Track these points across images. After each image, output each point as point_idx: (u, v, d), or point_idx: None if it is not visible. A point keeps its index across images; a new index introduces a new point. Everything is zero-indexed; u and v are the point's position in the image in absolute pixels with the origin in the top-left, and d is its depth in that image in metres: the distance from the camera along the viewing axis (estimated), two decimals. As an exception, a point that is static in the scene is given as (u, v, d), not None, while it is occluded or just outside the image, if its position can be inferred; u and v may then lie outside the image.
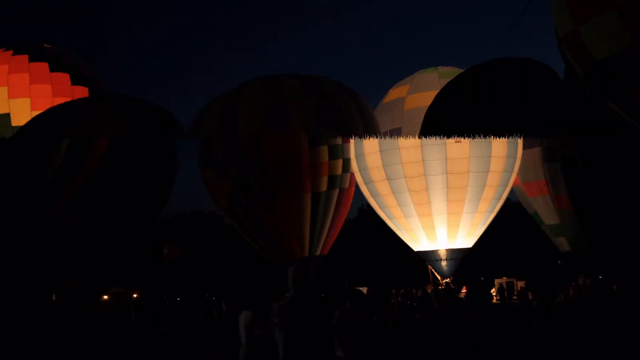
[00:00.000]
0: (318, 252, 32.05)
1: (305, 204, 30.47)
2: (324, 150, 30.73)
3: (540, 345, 15.79)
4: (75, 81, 31.79)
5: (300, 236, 30.98)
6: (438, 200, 31.23)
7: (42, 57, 31.80)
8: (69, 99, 29.61)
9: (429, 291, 31.10)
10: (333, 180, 31.18)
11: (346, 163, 31.98)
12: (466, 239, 33.03)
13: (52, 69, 31.50)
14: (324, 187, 30.71)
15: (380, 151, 31.32)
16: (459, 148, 30.26)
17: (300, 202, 30.36)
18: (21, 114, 29.98)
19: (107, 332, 28.27)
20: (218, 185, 31.18)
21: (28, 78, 30.95)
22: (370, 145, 31.26)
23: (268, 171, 29.72)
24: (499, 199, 32.72)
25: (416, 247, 33.97)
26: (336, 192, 31.49)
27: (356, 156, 32.35)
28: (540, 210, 34.95)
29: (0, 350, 19.97)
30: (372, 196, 33.15)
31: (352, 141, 31.83)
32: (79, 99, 29.45)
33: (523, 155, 32.81)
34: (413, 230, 32.88)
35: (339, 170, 31.43)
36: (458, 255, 33.22)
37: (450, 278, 33.24)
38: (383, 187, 32.04)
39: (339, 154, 31.43)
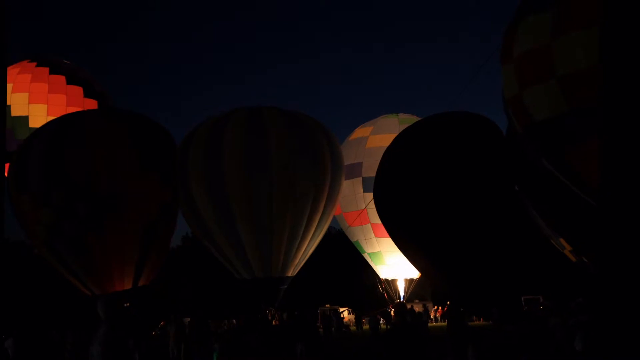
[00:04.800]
0: (142, 283, 25.08)
1: (137, 234, 23.96)
2: (156, 177, 24.43)
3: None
4: (87, 94, 31.19)
5: (125, 267, 24.28)
6: (263, 228, 25.68)
7: (61, 70, 31.26)
8: (80, 109, 29.23)
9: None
10: (165, 208, 24.83)
11: (175, 190, 25.60)
12: (290, 267, 27.42)
13: (69, 81, 30.95)
14: (155, 215, 24.31)
15: (205, 177, 25.66)
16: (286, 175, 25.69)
17: (133, 233, 23.87)
18: (38, 117, 29.40)
19: None
20: (34, 214, 23.76)
21: (47, 87, 30.37)
22: (195, 170, 25.86)
23: (98, 198, 23.24)
24: (322, 227, 27.87)
25: (240, 275, 27.62)
26: (166, 220, 25.12)
27: (181, 183, 25.91)
28: (361, 239, 33.51)
29: None
30: (196, 224, 27.58)
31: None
32: (89, 110, 29.11)
33: (344, 185, 29.13)
34: (237, 258, 26.92)
35: (169, 197, 25.02)
36: (282, 284, 27.42)
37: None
38: (207, 213, 26.02)
39: (169, 180, 25.04)
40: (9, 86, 29.52)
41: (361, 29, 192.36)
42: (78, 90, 30.93)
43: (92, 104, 30.94)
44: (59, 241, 23.88)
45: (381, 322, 32.94)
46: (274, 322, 27.88)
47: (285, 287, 27.78)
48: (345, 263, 46.88)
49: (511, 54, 16.19)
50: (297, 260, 27.54)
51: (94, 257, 23.88)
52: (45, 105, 29.98)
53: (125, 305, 23.96)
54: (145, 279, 25.20)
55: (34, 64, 31.24)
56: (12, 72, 30.24)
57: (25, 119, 29.64)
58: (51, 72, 30.90)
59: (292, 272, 27.72)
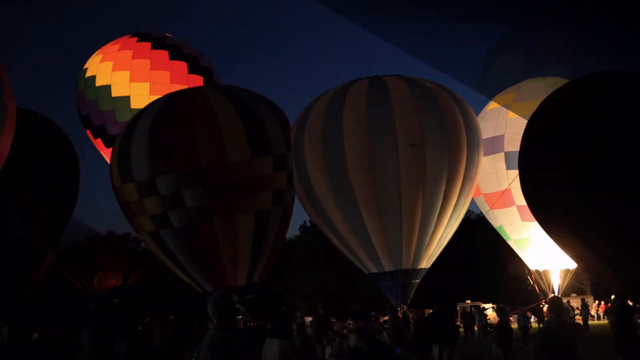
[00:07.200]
0: (258, 279, 23.08)
1: (249, 223, 21.80)
2: (269, 161, 22.02)
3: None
4: (192, 70, 28.44)
5: (238, 261, 22.10)
6: (391, 213, 22.56)
7: (164, 45, 28.56)
8: (185, 87, 26.51)
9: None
10: (278, 196, 22.46)
11: (290, 175, 22.98)
12: (423, 258, 24.03)
13: (172, 57, 28.20)
14: (268, 203, 22.09)
15: (324, 158, 22.57)
16: (414, 152, 22.34)
17: (244, 221, 21.72)
18: (140, 97, 26.71)
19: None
20: (140, 204, 21.85)
21: (149, 64, 27.70)
22: (313, 152, 22.79)
23: (209, 185, 21.11)
24: (459, 211, 24.40)
25: (367, 268, 24.58)
26: (280, 209, 22.75)
27: (296, 165, 23.15)
28: (505, 224, 28.00)
29: None
30: (315, 211, 24.22)
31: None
32: (194, 88, 26.04)
33: (483, 161, 25.27)
34: (363, 249, 23.80)
35: (284, 184, 22.61)
36: (414, 277, 24.19)
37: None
38: (327, 200, 23.07)
39: (284, 164, 22.55)
40: (109, 64, 27.41)
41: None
42: (182, 65, 28.23)
43: (197, 81, 28.19)
44: (165, 233, 21.74)
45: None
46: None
47: (418, 280, 24.46)
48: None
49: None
50: (431, 251, 24.08)
51: (202, 251, 21.71)
52: (148, 84, 27.37)
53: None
54: (260, 273, 22.88)
55: (135, 39, 28.77)
56: (111, 49, 28.06)
57: (126, 99, 27.09)
58: (153, 47, 28.25)
59: (426, 263, 24.26)
